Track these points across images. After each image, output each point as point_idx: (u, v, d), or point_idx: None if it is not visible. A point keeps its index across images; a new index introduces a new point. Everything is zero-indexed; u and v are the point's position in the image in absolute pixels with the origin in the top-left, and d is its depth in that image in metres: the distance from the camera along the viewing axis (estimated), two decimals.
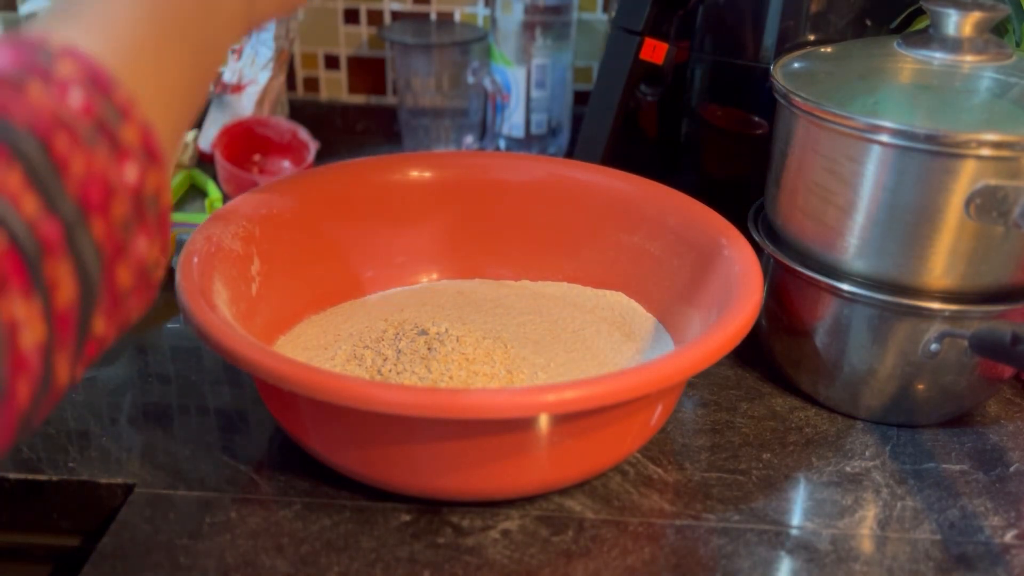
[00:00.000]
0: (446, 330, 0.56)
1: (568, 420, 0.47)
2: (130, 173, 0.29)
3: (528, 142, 0.94)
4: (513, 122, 0.93)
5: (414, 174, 0.67)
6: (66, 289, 0.27)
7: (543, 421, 0.47)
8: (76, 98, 0.28)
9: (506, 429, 0.46)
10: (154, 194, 0.31)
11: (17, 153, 0.26)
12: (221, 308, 0.50)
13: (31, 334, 0.26)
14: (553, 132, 0.94)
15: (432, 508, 0.50)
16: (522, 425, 0.47)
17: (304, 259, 0.63)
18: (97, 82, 0.29)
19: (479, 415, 0.44)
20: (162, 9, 0.34)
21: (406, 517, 0.50)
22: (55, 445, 0.55)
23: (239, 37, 0.41)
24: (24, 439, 0.29)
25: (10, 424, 0.27)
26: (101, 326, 0.30)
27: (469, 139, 0.93)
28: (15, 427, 0.27)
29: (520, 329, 0.62)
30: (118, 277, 0.30)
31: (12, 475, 0.52)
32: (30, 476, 0.52)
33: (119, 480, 0.52)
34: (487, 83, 0.87)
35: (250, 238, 0.58)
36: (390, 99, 1.05)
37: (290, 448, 0.55)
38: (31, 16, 1.00)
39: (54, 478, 0.52)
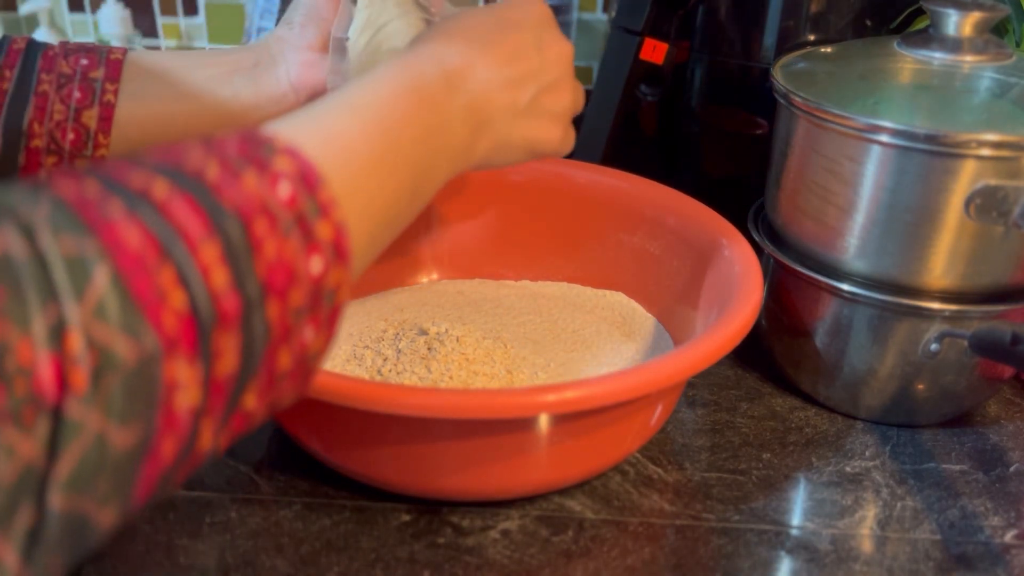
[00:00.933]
0: (446, 330, 0.56)
1: (568, 420, 0.47)
2: (315, 265, 0.31)
3: None
4: None
5: None
6: (228, 361, 0.29)
7: (543, 421, 0.47)
8: (284, 190, 0.31)
9: (506, 429, 0.46)
10: (333, 289, 0.32)
11: (220, 230, 0.28)
12: None
13: (187, 397, 0.27)
14: None
15: (432, 508, 0.50)
16: (522, 425, 0.47)
17: None
18: (306, 179, 0.32)
19: (479, 415, 0.44)
20: (385, 132, 0.38)
21: (406, 517, 0.50)
22: None
23: (458, 171, 0.44)
24: (160, 498, 0.31)
25: (151, 479, 0.28)
26: (252, 402, 0.31)
27: None
28: (155, 483, 0.28)
29: (520, 329, 0.62)
30: (279, 359, 0.31)
31: None
32: None
33: None
34: None
35: None
36: None
37: (290, 448, 0.55)
38: (31, 17, 1.00)
39: None
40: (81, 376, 0.24)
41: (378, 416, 0.45)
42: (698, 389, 0.61)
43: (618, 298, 0.65)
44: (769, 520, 0.51)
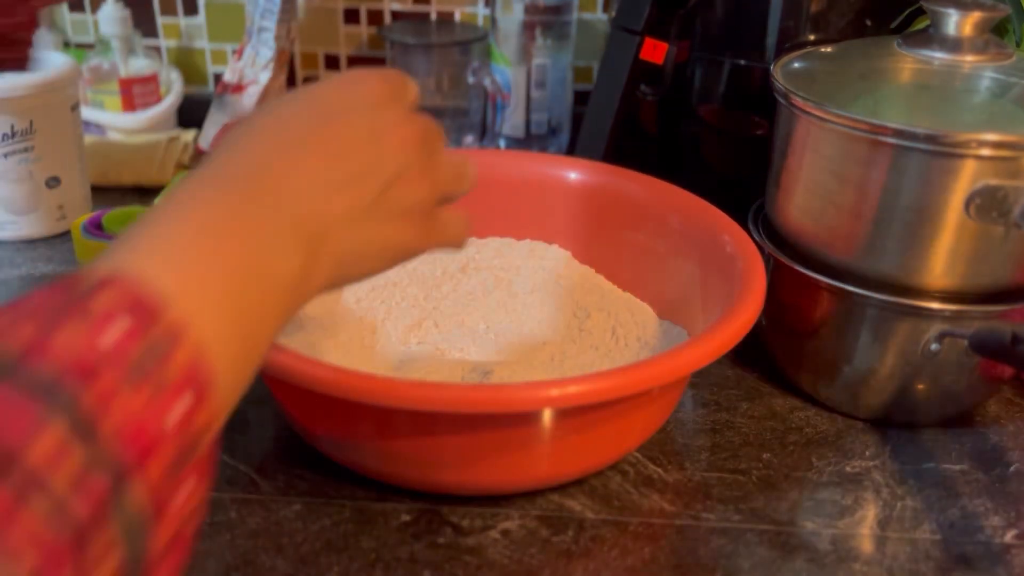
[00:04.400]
0: (445, 322, 0.56)
1: (571, 415, 0.47)
2: (175, 413, 0.27)
3: (528, 142, 0.94)
4: (513, 122, 0.92)
5: None
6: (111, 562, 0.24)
7: (547, 416, 0.47)
8: (112, 335, 0.26)
9: (510, 423, 0.46)
10: (199, 434, 0.28)
11: (51, 410, 0.24)
12: None
13: None
14: (553, 132, 0.94)
15: (432, 508, 0.50)
16: (526, 420, 0.47)
17: None
18: (140, 309, 0.27)
19: (483, 409, 0.44)
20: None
21: (406, 517, 0.50)
22: None
23: (297, 306, 0.36)
24: None
25: None
26: None
27: (469, 139, 0.93)
28: None
29: (523, 327, 0.62)
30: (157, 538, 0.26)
31: None
32: None
33: None
34: (487, 83, 0.87)
35: None
36: None
37: (290, 448, 0.55)
38: None
39: None
40: None
41: (381, 409, 0.45)
42: (698, 389, 0.61)
43: (621, 296, 0.65)
44: (769, 520, 0.51)
